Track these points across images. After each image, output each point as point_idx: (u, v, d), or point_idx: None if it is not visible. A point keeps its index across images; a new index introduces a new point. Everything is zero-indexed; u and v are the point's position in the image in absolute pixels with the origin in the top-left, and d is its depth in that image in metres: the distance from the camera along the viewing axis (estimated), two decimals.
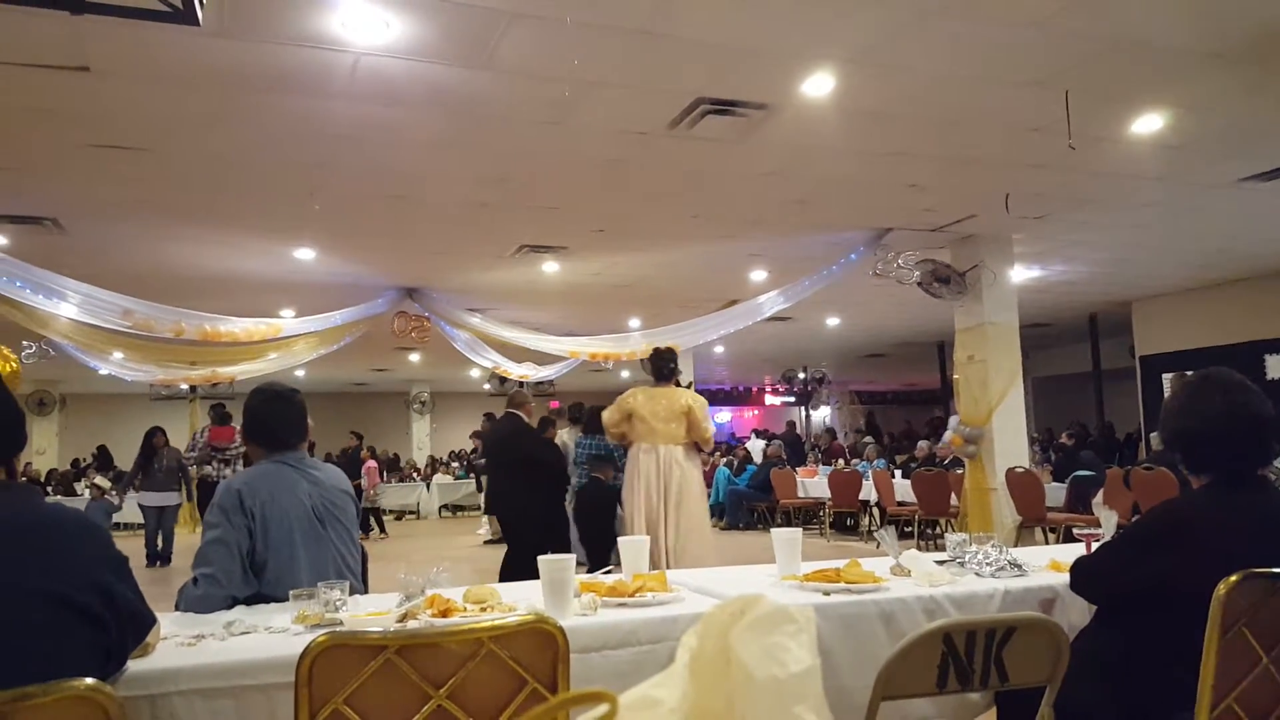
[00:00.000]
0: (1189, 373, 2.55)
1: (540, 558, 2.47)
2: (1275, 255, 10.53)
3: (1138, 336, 13.61)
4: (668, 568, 5.81)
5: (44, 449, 20.15)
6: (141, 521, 11.80)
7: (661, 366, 6.57)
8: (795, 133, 6.09)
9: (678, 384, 6.73)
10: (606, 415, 6.64)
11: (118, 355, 10.75)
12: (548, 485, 8.01)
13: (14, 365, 6.17)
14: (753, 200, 7.76)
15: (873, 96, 5.60)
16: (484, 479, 14.10)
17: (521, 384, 13.50)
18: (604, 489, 7.93)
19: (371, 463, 16.29)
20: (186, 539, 11.89)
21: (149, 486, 11.49)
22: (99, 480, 13.20)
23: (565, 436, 10.31)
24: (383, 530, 15.29)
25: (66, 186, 6.84)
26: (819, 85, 5.37)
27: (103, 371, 12.08)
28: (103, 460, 17.97)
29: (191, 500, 12.12)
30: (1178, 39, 4.92)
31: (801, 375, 22.34)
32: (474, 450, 17.87)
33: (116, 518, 12.96)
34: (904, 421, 25.24)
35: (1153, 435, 9.43)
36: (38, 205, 7.32)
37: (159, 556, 11.31)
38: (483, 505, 8.93)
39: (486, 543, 13.62)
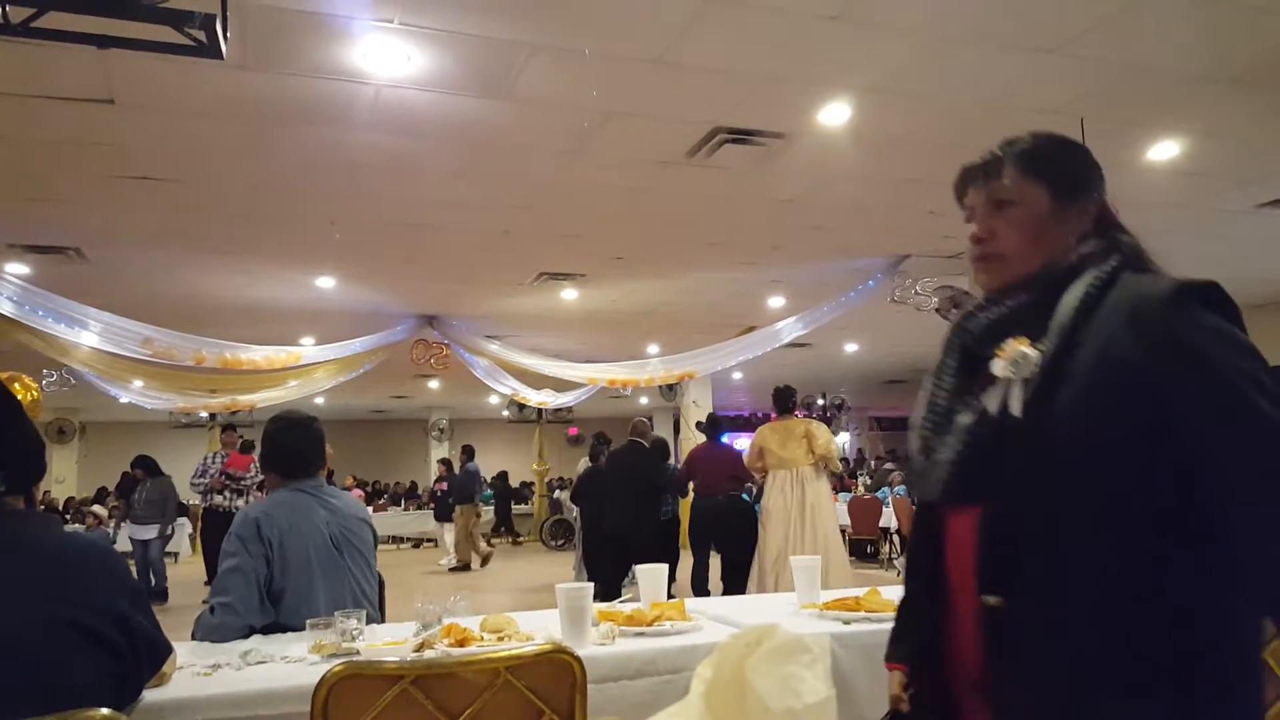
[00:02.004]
0: None
1: (558, 586, 2.46)
2: None
3: None
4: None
5: (63, 477, 20.25)
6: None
7: (784, 402, 7.56)
8: (812, 161, 6.11)
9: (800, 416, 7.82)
10: (747, 455, 7.69)
11: (138, 383, 10.81)
12: (660, 509, 8.87)
13: (35, 394, 6.23)
14: (770, 227, 7.77)
15: (889, 124, 5.61)
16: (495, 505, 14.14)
17: (648, 417, 13.45)
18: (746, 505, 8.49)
19: (356, 491, 16.13)
20: (181, 570, 11.72)
21: (131, 518, 11.18)
22: (96, 509, 13.05)
23: None
24: None
25: (90, 216, 6.92)
26: (836, 114, 5.39)
27: (123, 400, 12.13)
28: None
29: (168, 534, 11.55)
30: (1193, 65, 4.91)
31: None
32: (435, 485, 17.29)
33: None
34: None
35: None
36: (61, 235, 7.40)
37: (153, 592, 10.50)
38: (606, 524, 9.29)
39: (451, 570, 13.60)
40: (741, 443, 9.86)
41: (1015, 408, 1.36)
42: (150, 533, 11.02)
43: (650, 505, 8.59)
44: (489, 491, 20.50)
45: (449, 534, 14.86)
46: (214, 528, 11.11)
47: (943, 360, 1.57)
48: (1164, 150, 6.10)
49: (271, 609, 2.77)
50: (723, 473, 8.15)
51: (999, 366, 1.39)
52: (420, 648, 2.27)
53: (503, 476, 20.26)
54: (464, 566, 13.66)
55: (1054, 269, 1.44)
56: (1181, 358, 1.26)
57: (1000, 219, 1.52)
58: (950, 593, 1.46)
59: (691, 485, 8.56)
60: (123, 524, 11.59)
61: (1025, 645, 1.31)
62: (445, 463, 16.38)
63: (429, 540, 18.99)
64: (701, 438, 9.42)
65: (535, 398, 13.44)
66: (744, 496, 8.53)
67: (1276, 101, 5.34)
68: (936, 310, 9.06)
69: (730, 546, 8.00)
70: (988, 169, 1.57)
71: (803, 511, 7.13)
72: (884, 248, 8.57)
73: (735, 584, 7.83)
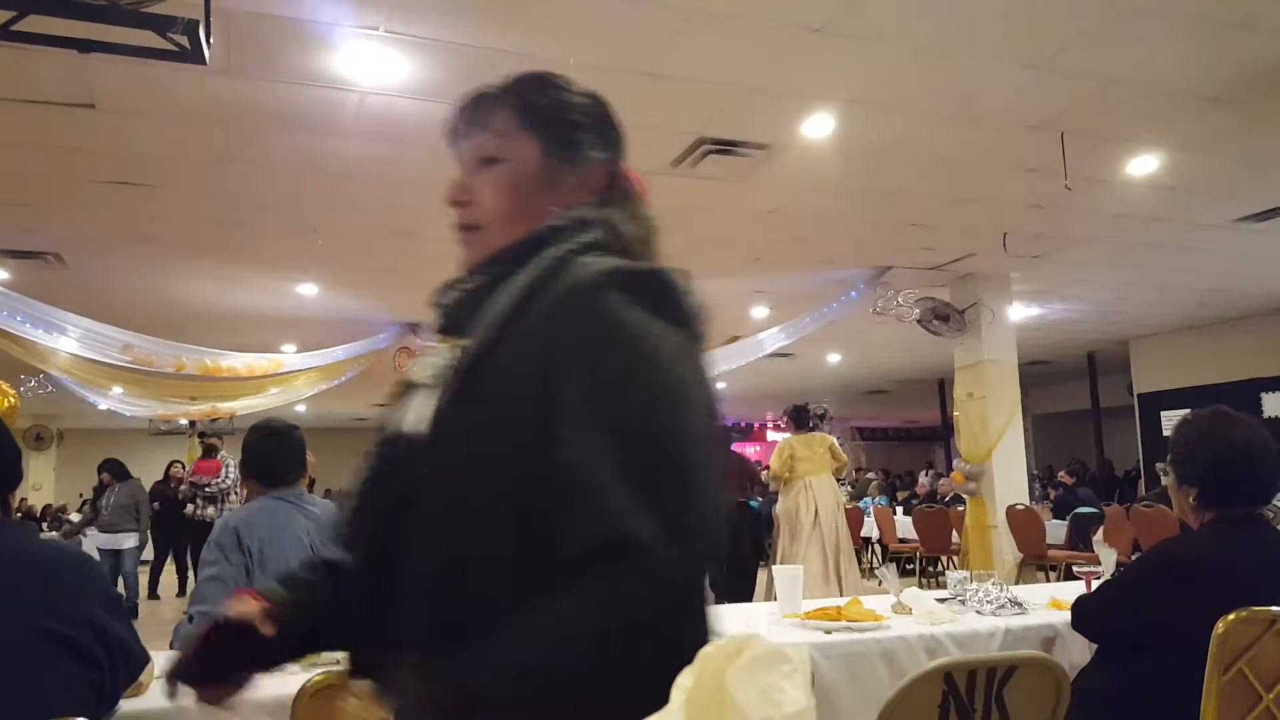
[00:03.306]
0: (1189, 411, 2.53)
1: None
2: (1270, 295, 10.56)
3: (1136, 374, 13.61)
4: (840, 580, 7.54)
5: (40, 485, 20.03)
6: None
7: (803, 419, 8.22)
8: (796, 172, 6.13)
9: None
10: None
11: (117, 390, 10.71)
12: None
13: (12, 400, 6.16)
14: (754, 238, 7.78)
15: (872, 137, 5.64)
16: None
17: None
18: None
19: None
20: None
21: (99, 526, 10.28)
22: (74, 516, 12.70)
23: None
24: None
25: (70, 221, 6.87)
26: (819, 126, 5.41)
27: (102, 406, 12.01)
28: None
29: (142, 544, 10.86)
30: (1173, 81, 4.96)
31: None
32: None
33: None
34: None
35: (1158, 466, 9.44)
36: (40, 240, 7.34)
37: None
38: None
39: None
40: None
41: (422, 422, 1.08)
42: (123, 541, 10.20)
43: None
44: None
45: None
46: (170, 534, 10.91)
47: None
48: (1144, 165, 6.16)
49: None
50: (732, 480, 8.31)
51: (413, 368, 1.16)
52: None
53: None
54: None
55: (523, 246, 1.14)
56: (565, 355, 1.01)
57: (482, 178, 1.21)
58: None
59: None
60: (88, 531, 10.81)
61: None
62: None
63: None
64: None
65: None
66: (751, 504, 8.65)
67: (1255, 117, 5.40)
68: (918, 321, 9.11)
69: (737, 552, 8.09)
70: (477, 114, 1.25)
71: (838, 517, 7.83)
72: (866, 259, 8.60)
73: (741, 589, 7.89)
